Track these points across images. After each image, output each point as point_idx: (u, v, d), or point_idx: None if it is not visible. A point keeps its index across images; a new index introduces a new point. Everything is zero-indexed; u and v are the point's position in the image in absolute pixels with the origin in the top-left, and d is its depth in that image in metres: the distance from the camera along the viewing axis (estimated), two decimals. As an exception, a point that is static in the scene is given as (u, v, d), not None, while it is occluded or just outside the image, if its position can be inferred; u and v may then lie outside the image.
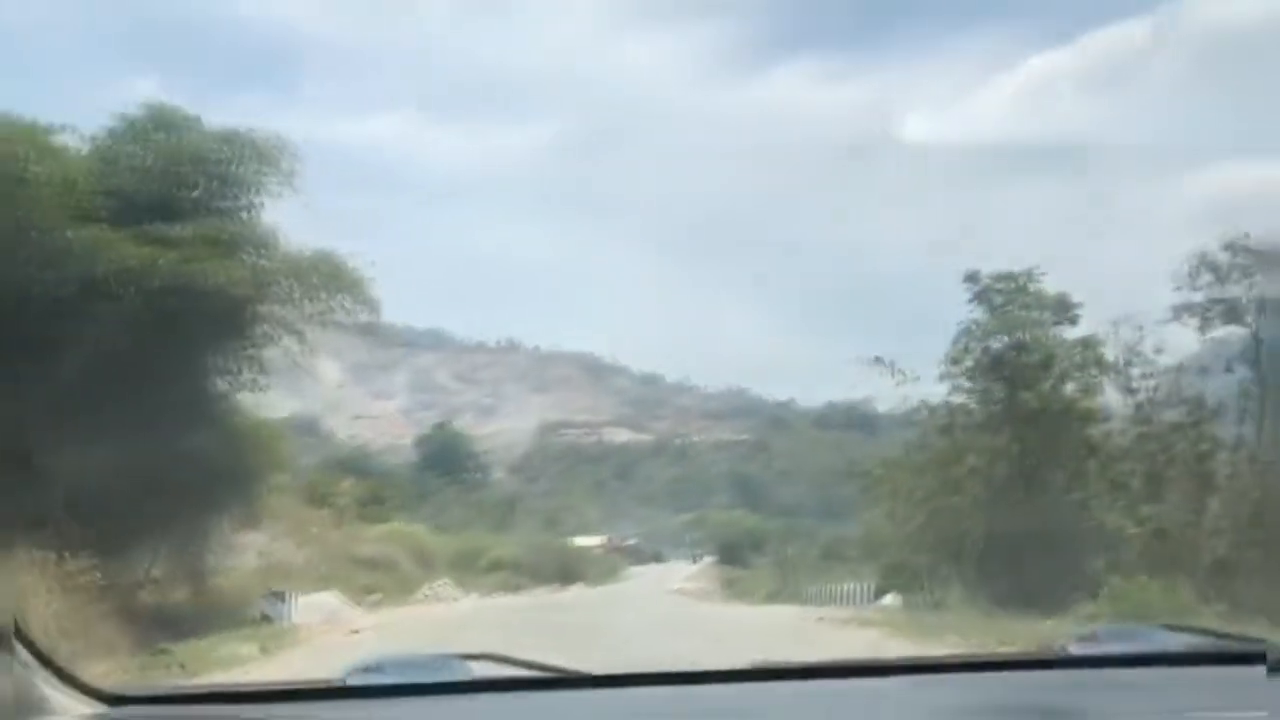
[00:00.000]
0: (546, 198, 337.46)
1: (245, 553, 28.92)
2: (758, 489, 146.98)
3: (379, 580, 33.50)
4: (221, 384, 21.06)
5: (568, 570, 59.93)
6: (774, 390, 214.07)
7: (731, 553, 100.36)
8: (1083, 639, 2.67)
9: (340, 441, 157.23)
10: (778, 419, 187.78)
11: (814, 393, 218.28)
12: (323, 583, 29.06)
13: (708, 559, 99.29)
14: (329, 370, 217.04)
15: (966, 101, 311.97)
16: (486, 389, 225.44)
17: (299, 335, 21.86)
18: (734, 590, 46.29)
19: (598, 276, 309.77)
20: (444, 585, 34.05)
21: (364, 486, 59.38)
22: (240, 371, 21.11)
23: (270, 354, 21.80)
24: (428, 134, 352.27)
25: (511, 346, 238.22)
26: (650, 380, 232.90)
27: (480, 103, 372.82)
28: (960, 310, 23.78)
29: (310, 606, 21.91)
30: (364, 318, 21.34)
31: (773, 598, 40.24)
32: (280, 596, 21.37)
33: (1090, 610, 17.24)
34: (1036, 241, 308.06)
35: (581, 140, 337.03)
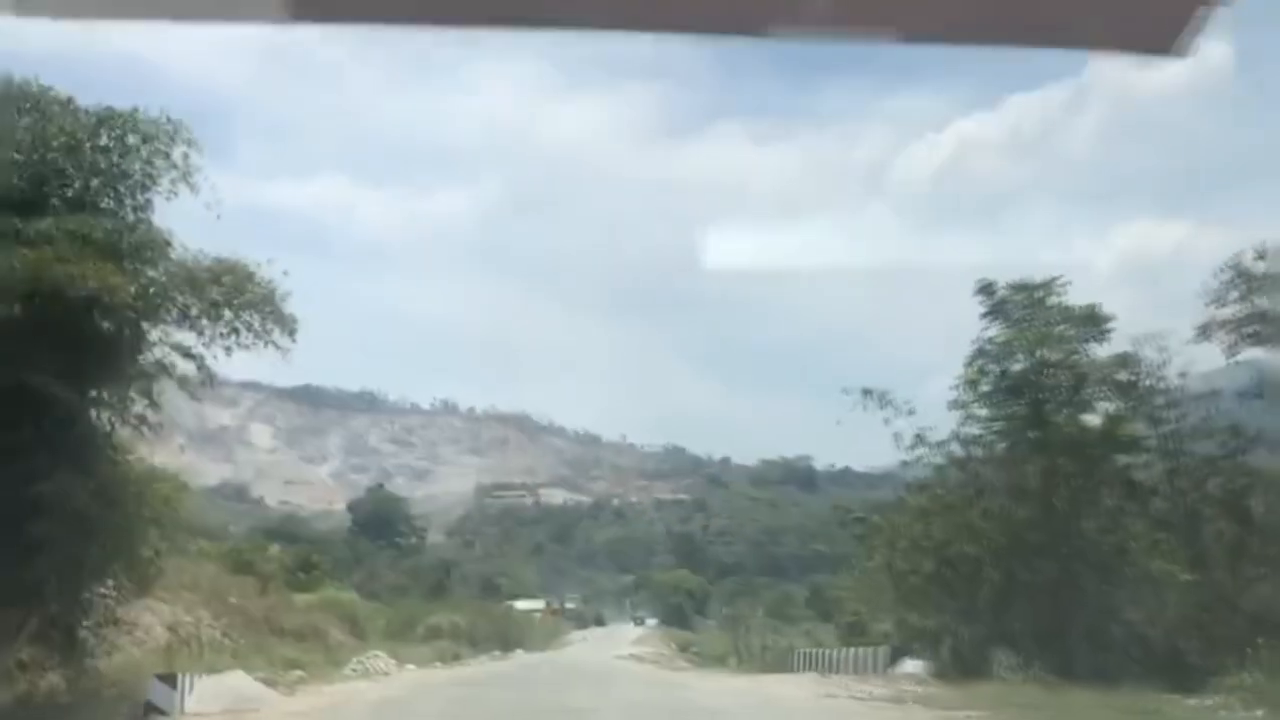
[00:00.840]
0: (479, 261, 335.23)
1: (149, 628, 24.75)
2: (698, 548, 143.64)
3: (305, 654, 29.22)
4: (99, 418, 16.89)
5: (507, 636, 55.76)
6: (710, 447, 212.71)
7: (675, 614, 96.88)
8: None
9: (271, 508, 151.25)
10: (714, 477, 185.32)
11: (750, 449, 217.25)
12: (239, 659, 24.88)
13: (650, 621, 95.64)
14: (260, 435, 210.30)
15: (894, 161, 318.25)
16: (421, 451, 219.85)
17: (197, 361, 17.69)
18: (693, 655, 42.42)
19: (532, 338, 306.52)
20: (376, 657, 29.74)
21: (292, 553, 54.94)
22: (124, 404, 17.03)
23: (162, 385, 17.67)
24: (360, 198, 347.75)
25: (446, 408, 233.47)
26: (587, 440, 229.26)
27: (413, 167, 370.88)
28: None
29: (213, 691, 17.63)
30: (277, 338, 17.02)
31: (748, 664, 36.69)
32: (170, 681, 16.99)
33: (1240, 682, 13.77)
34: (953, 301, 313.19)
35: (514, 204, 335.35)
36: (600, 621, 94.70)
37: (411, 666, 33.48)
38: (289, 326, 17.18)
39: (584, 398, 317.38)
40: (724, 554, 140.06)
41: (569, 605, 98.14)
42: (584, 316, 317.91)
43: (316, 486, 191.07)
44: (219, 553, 46.05)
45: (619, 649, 52.93)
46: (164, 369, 16.92)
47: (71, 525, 14.16)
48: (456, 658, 41.00)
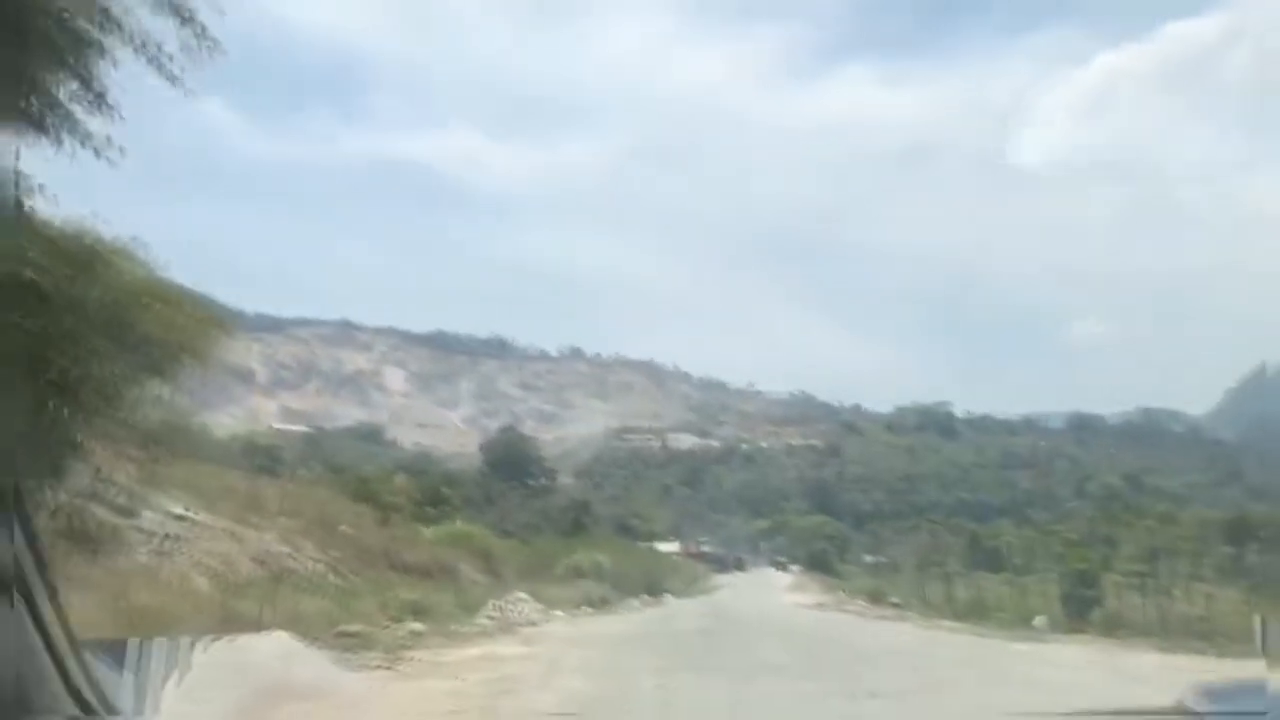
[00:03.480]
0: (607, 209, 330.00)
1: (229, 557, 18.69)
2: (833, 494, 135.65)
3: (431, 594, 22.96)
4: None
5: (652, 579, 49.21)
6: (840, 395, 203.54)
7: (818, 559, 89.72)
8: (1205, 692, 2.43)
9: (405, 449, 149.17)
10: (849, 424, 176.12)
11: (882, 397, 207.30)
12: (343, 602, 18.66)
13: (793, 567, 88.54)
14: (394, 379, 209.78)
15: (1028, 106, 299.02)
16: (548, 396, 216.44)
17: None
18: (890, 605, 34.72)
19: (659, 285, 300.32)
20: (520, 601, 23.25)
21: (421, 484, 49.56)
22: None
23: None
24: (491, 148, 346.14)
25: (574, 354, 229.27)
26: (713, 386, 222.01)
27: (541, 117, 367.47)
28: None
29: (219, 671, 9.61)
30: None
31: (983, 617, 29.12)
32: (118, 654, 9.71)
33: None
34: (1101, 241, 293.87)
35: (642, 152, 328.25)
36: (740, 566, 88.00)
37: (560, 614, 26.94)
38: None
39: (709, 345, 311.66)
40: (861, 500, 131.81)
41: (704, 549, 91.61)
42: (709, 264, 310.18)
43: (449, 430, 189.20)
44: (338, 482, 40.78)
45: (781, 595, 45.99)
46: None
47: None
48: (604, 602, 34.55)
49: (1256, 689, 2.31)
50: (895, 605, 32.96)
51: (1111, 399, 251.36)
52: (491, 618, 21.15)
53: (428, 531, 35.38)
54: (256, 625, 12.99)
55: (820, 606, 34.46)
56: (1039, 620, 24.79)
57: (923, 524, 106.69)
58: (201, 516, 19.41)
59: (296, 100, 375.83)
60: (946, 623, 27.05)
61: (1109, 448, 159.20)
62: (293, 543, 22.01)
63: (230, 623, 12.36)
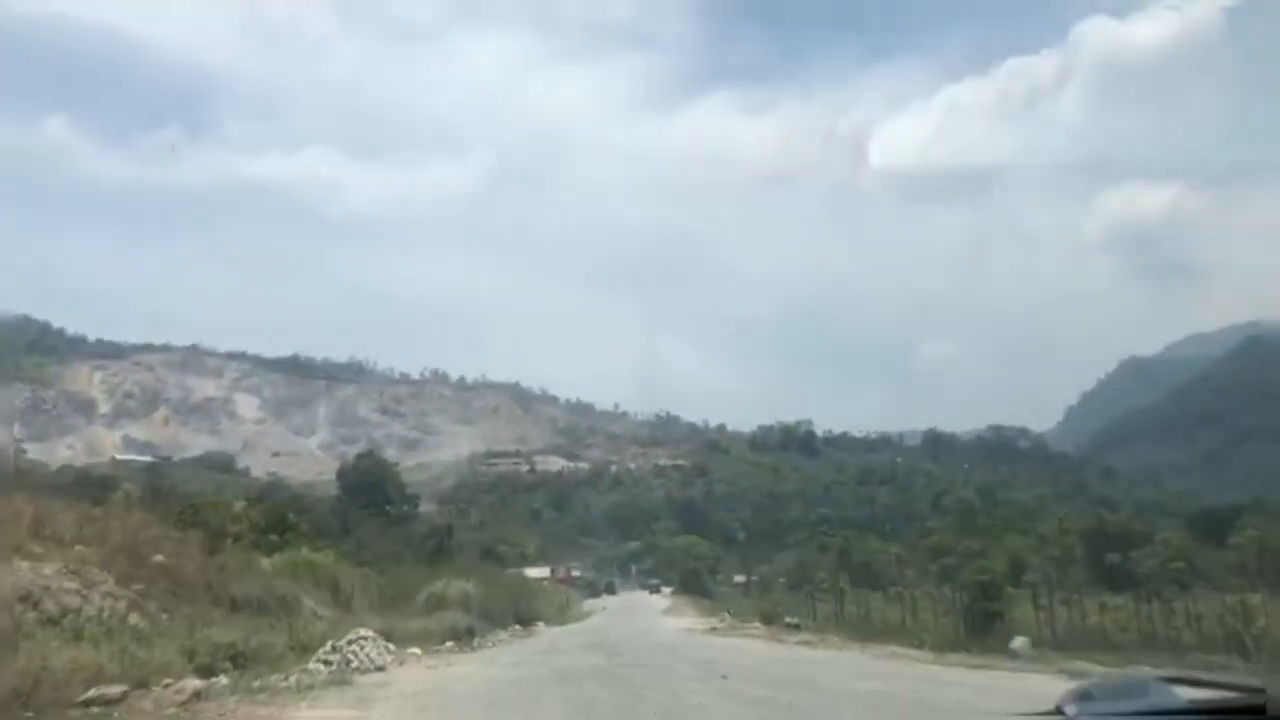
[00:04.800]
0: (468, 232, 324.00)
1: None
2: (701, 513, 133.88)
3: (258, 634, 18.87)
4: None
5: (521, 607, 45.46)
6: (704, 415, 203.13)
7: (691, 581, 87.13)
8: (1078, 695, 2.47)
9: (257, 479, 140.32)
10: (713, 443, 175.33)
11: (744, 416, 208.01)
12: (139, 646, 14.58)
13: (665, 589, 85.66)
14: (247, 406, 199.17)
15: (878, 135, 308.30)
16: (411, 421, 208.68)
17: None
18: (785, 627, 31.77)
19: (524, 308, 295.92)
20: (361, 640, 18.88)
21: (263, 509, 44.48)
22: None
23: None
24: (350, 171, 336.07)
25: (437, 377, 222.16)
26: (580, 408, 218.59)
27: (403, 140, 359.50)
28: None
29: None
30: None
31: (893, 636, 26.43)
32: None
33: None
34: (949, 266, 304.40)
35: (505, 175, 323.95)
36: (611, 589, 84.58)
37: (416, 651, 23.06)
38: None
39: (574, 366, 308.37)
40: (728, 519, 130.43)
41: (575, 573, 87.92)
42: (572, 286, 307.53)
43: (304, 457, 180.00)
44: (164, 509, 35.71)
45: (663, 620, 42.92)
46: None
47: None
48: (470, 633, 30.73)
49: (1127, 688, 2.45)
50: (792, 626, 30.26)
51: (963, 417, 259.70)
52: (327, 661, 17.15)
53: (267, 561, 30.88)
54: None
55: (714, 631, 31.44)
56: (1019, 642, 22.21)
57: (793, 541, 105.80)
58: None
59: (144, 119, 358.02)
60: (872, 646, 24.31)
61: (962, 463, 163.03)
62: (84, 575, 17.71)
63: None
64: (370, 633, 19.66)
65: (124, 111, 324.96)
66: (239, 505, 40.81)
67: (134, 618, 17.56)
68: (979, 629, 27.95)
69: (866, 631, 28.04)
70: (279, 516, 43.53)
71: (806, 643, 24.83)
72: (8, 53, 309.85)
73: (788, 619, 31.53)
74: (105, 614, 16.70)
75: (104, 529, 21.82)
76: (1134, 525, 74.36)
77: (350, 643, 17.92)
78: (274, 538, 39.08)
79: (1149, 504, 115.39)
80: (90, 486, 55.23)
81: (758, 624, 32.81)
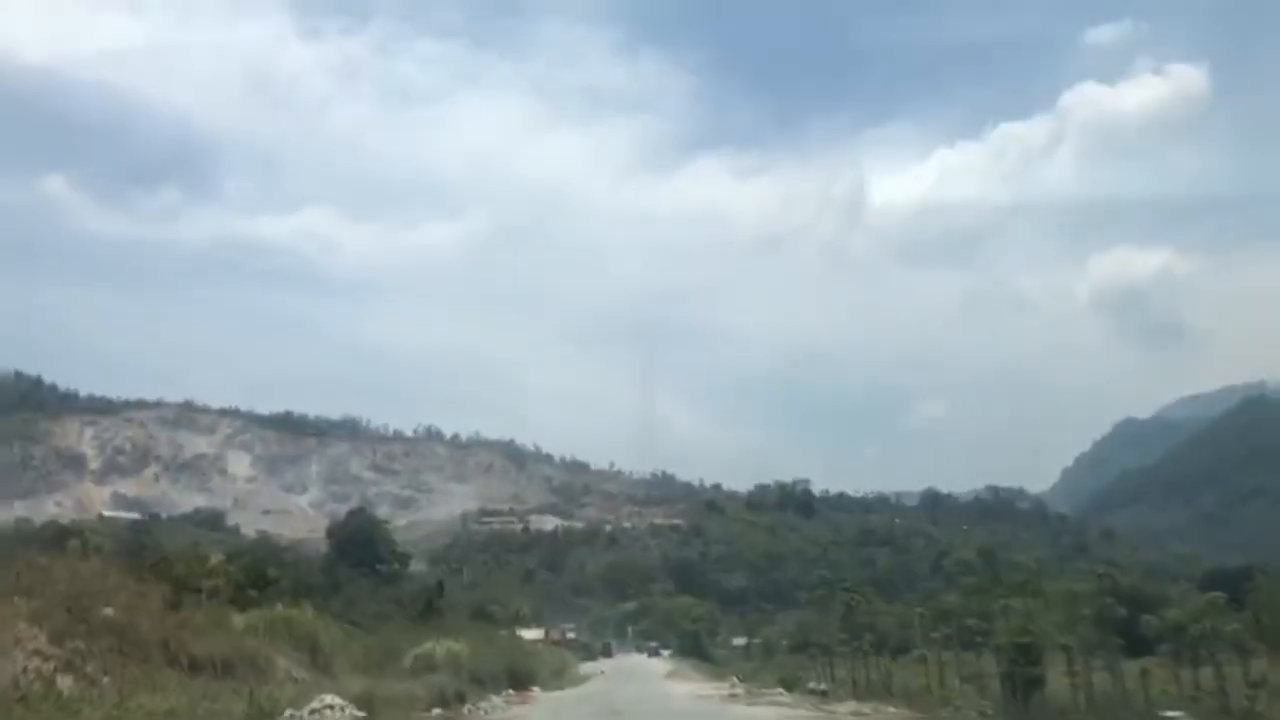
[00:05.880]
0: (464, 290, 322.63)
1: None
2: (698, 574, 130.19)
3: (203, 704, 16.13)
4: None
5: (515, 670, 42.23)
6: (700, 474, 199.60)
7: (690, 643, 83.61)
8: None
9: (246, 537, 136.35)
10: (710, 502, 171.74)
11: (740, 476, 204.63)
12: (54, 714, 11.92)
13: (664, 651, 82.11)
14: (238, 463, 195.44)
15: (871, 198, 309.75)
16: (404, 478, 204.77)
17: None
18: (808, 693, 28.80)
19: (518, 366, 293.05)
20: (328, 708, 15.88)
21: (241, 565, 41.47)
22: None
23: None
24: (347, 231, 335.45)
25: (431, 435, 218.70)
26: (575, 467, 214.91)
27: (400, 201, 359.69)
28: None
29: None
30: None
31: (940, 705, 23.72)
32: None
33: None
34: (942, 326, 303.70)
35: (501, 236, 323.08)
36: (607, 652, 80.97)
37: None
38: None
39: (569, 425, 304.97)
40: (726, 580, 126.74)
41: (570, 635, 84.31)
42: (566, 346, 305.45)
43: (295, 515, 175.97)
44: (129, 563, 33.03)
45: (668, 685, 39.81)
46: None
47: None
48: (460, 699, 27.77)
49: None
50: (819, 693, 27.33)
51: (959, 477, 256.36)
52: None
53: (240, 618, 27.97)
54: None
55: (733, 698, 28.44)
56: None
57: (793, 602, 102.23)
58: None
59: (143, 178, 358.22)
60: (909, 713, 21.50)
61: (961, 524, 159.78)
62: (11, 629, 15.06)
63: None
64: (337, 700, 16.85)
65: (122, 170, 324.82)
66: (215, 559, 37.88)
67: (64, 681, 14.85)
68: (1019, 694, 25.19)
69: (905, 698, 25.22)
70: (258, 572, 40.63)
71: (859, 714, 21.96)
72: (8, 110, 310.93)
73: (811, 684, 28.65)
74: (26, 677, 14.01)
75: (45, 579, 19.11)
76: (1146, 587, 71.65)
77: (313, 712, 15.11)
78: (252, 593, 36.24)
79: (1153, 566, 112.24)
80: (70, 543, 52.22)
81: (780, 690, 29.84)
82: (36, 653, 15.25)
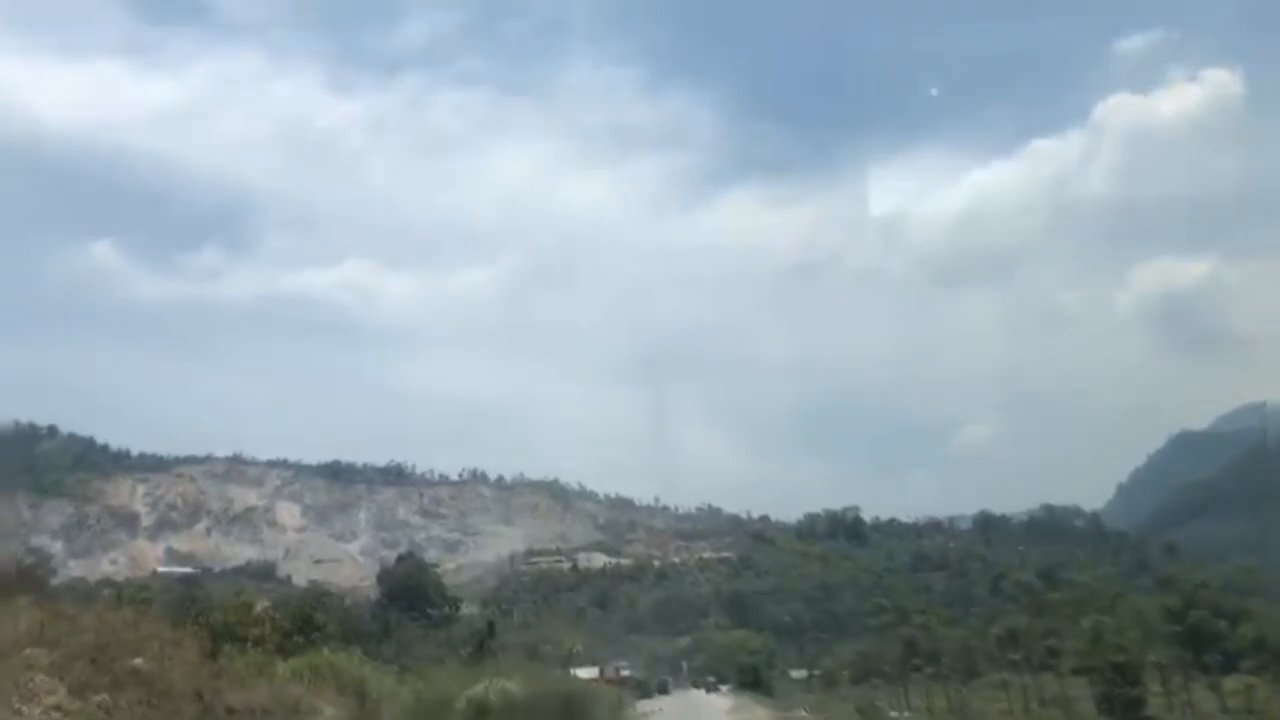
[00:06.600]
0: (504, 333, 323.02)
1: None
2: (750, 607, 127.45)
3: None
4: None
5: (572, 711, 40.27)
6: (746, 506, 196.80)
7: (748, 677, 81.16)
8: None
9: (296, 586, 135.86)
10: (758, 534, 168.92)
11: (788, 506, 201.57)
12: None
13: (723, 686, 79.72)
14: (288, 514, 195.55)
15: (906, 221, 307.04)
16: (452, 522, 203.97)
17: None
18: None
19: (559, 405, 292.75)
20: None
21: (288, 611, 40.17)
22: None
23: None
24: (385, 279, 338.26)
25: (476, 478, 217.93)
26: (619, 504, 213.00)
27: (435, 247, 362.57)
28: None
29: None
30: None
31: None
32: None
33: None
34: (981, 347, 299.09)
35: (536, 276, 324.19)
36: (664, 688, 78.71)
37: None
38: None
39: (612, 462, 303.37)
40: (779, 612, 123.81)
41: (625, 672, 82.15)
42: (606, 383, 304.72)
43: (346, 564, 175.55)
44: (169, 612, 31.87)
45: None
46: None
47: None
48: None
49: None
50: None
51: (1012, 498, 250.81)
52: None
53: (284, 665, 26.62)
54: None
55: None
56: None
57: (850, 632, 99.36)
58: None
59: (186, 239, 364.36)
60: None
61: (1017, 545, 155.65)
62: (24, 686, 13.82)
63: None
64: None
65: (166, 232, 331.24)
66: (261, 606, 36.65)
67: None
68: (1120, 715, 23.17)
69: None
70: (305, 617, 39.40)
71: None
72: (61, 182, 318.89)
73: (893, 714, 26.74)
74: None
75: (71, 629, 17.87)
76: (1224, 602, 68.47)
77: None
78: (299, 640, 35.01)
79: (1225, 581, 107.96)
80: (125, 600, 51.44)
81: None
82: (56, 708, 13.95)
